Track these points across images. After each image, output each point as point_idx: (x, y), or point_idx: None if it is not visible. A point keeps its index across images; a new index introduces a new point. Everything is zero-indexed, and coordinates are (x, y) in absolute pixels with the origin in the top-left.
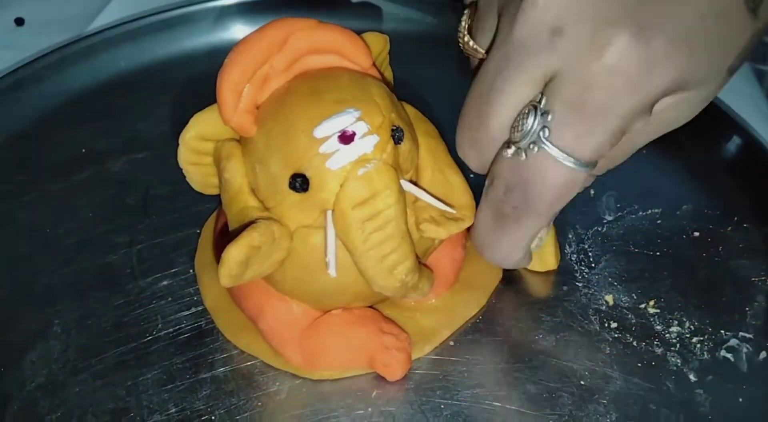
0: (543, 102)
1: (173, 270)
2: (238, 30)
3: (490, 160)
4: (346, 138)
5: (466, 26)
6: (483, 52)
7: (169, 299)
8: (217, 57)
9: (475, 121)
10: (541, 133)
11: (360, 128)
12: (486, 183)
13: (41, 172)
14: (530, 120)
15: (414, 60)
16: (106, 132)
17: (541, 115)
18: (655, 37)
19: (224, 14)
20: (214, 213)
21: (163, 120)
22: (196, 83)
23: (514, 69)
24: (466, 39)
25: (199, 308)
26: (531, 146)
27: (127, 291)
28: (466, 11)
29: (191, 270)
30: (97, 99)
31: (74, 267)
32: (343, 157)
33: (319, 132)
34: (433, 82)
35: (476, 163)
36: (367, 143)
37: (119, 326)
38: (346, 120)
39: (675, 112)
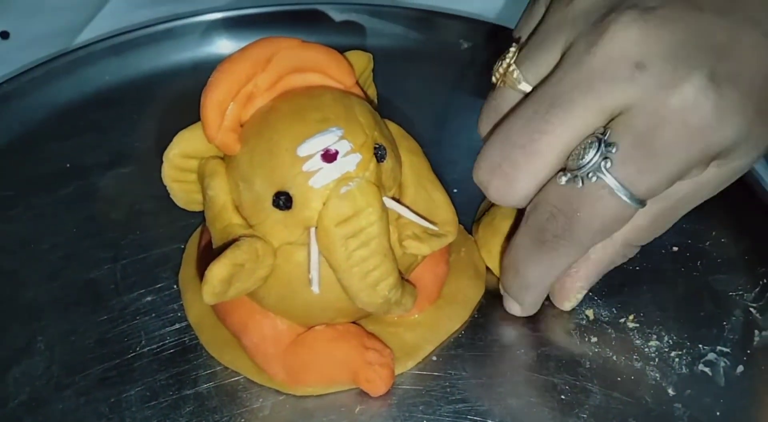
0: (609, 134)
1: (157, 286)
2: (224, 45)
3: (528, 185)
4: (329, 156)
5: (514, 58)
6: (528, 85)
7: (153, 315)
8: (203, 72)
9: (523, 140)
10: (603, 163)
11: (343, 147)
12: (527, 209)
13: (26, 186)
14: (593, 149)
15: (398, 76)
16: (91, 146)
17: (606, 146)
18: (730, 86)
19: (210, 29)
20: (199, 229)
21: (148, 134)
22: (181, 98)
23: (585, 94)
24: (512, 70)
25: (183, 324)
26: (590, 175)
27: (111, 307)
28: (514, 44)
29: (175, 286)
30: (82, 113)
31: (58, 283)
32: (326, 175)
33: (303, 150)
34: (416, 97)
35: (507, 186)
36: (349, 161)
37: (103, 342)
38: (329, 139)
39: (721, 176)
